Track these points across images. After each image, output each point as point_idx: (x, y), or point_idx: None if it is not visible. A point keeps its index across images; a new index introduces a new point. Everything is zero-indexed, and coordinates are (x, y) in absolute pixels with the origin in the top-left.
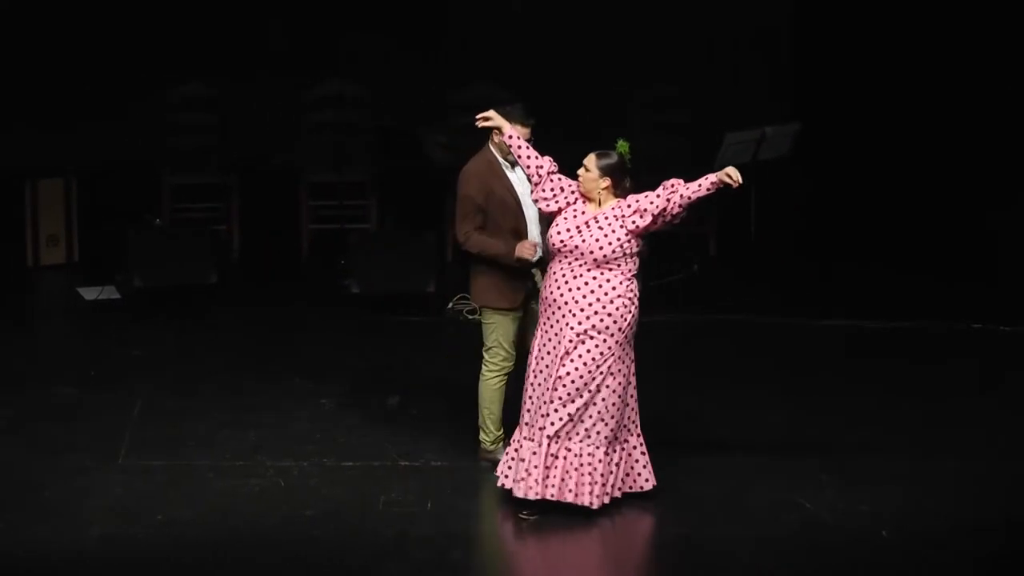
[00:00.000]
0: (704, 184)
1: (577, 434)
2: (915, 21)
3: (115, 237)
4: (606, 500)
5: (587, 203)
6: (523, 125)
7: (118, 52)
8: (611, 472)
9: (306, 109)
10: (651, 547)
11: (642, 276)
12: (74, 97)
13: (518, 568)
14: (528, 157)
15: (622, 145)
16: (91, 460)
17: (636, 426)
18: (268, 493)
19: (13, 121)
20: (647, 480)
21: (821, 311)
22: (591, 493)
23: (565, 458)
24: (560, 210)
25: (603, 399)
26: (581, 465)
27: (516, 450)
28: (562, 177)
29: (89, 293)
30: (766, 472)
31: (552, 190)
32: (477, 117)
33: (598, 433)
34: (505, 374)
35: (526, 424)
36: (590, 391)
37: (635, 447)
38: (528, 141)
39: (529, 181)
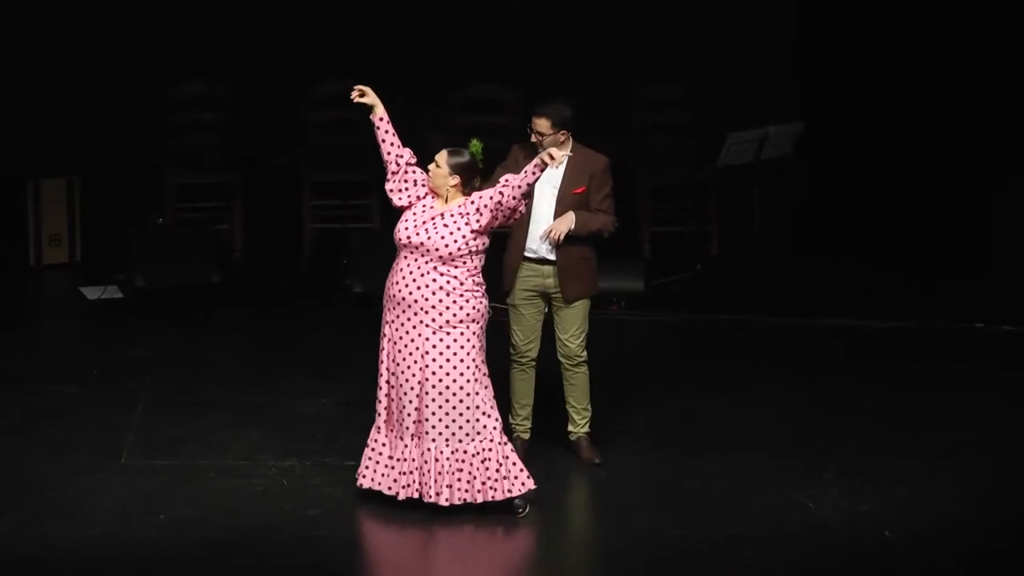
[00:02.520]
0: (529, 170)
1: (440, 433)
2: (919, 19)
3: (117, 237)
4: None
5: (435, 199)
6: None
7: (120, 50)
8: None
9: (309, 108)
10: (653, 547)
11: (647, 276)
12: (76, 96)
13: (526, 563)
14: (390, 144)
15: (475, 145)
16: (93, 460)
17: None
18: (271, 493)
19: (15, 120)
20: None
21: (823, 310)
22: (466, 490)
23: (448, 459)
24: (410, 204)
25: (473, 392)
26: (435, 462)
27: (390, 455)
28: (417, 170)
29: (92, 293)
30: (768, 472)
31: (406, 183)
32: (354, 90)
33: (460, 429)
34: (517, 363)
35: (388, 423)
36: (459, 388)
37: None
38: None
39: (385, 168)
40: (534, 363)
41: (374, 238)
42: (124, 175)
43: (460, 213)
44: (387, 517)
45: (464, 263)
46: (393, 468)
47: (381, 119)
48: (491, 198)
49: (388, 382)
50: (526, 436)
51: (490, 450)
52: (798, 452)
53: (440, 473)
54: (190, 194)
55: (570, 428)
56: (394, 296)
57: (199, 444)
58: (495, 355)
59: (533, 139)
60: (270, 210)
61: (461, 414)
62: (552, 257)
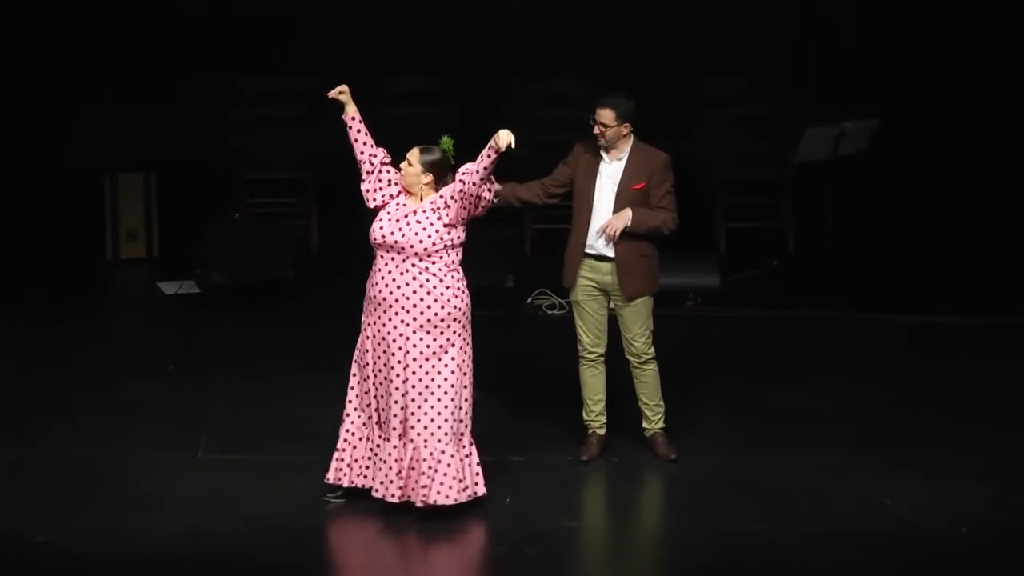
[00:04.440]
0: (484, 154)
1: (419, 434)
2: (996, 13)
3: (194, 232)
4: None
5: (408, 197)
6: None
7: (198, 46)
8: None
9: (386, 103)
10: (728, 543)
11: (722, 272)
12: (154, 91)
13: (590, 566)
14: (364, 144)
15: (446, 142)
16: (170, 454)
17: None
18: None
19: (93, 116)
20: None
21: (900, 306)
22: (454, 489)
23: (426, 460)
24: (384, 204)
25: (455, 392)
26: (420, 462)
27: (374, 453)
28: (391, 169)
29: (168, 287)
30: (845, 468)
31: (380, 182)
32: (333, 92)
33: (440, 428)
34: (585, 359)
35: (374, 423)
36: (438, 387)
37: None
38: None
39: (359, 168)
40: (603, 358)
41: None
42: (201, 170)
43: (431, 209)
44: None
45: (441, 258)
46: (380, 469)
47: (353, 118)
48: (455, 189)
49: (375, 384)
50: (601, 432)
51: (468, 454)
52: (875, 449)
53: (422, 473)
54: (266, 189)
55: (644, 425)
56: (374, 297)
57: (276, 439)
58: (566, 352)
59: (596, 131)
60: (346, 205)
61: (439, 413)
62: (610, 253)
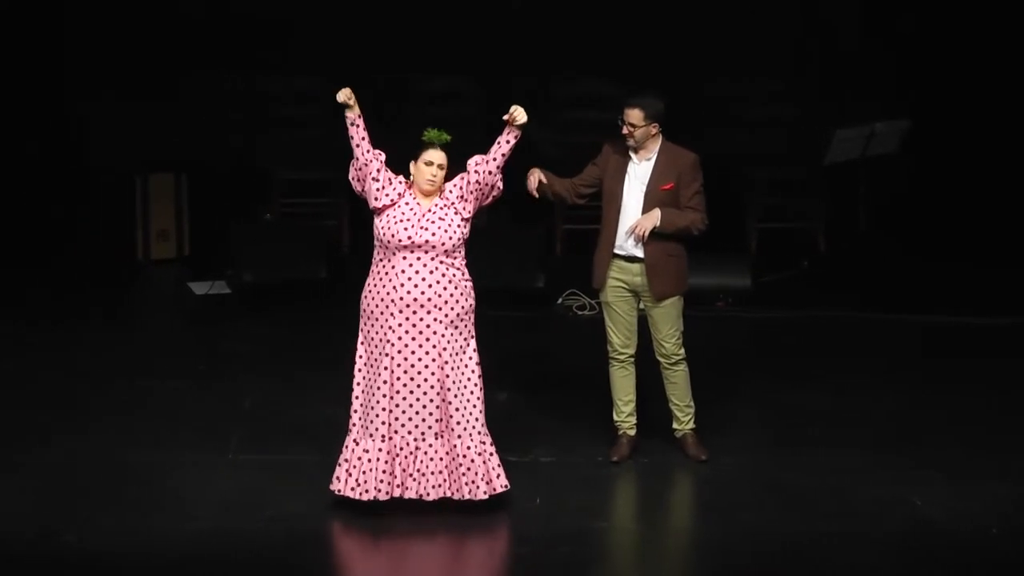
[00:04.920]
0: (503, 139)
1: (465, 429)
2: None
3: (225, 232)
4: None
5: (418, 196)
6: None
7: (229, 47)
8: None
9: (418, 103)
10: (758, 544)
11: (754, 273)
12: (184, 91)
13: (620, 567)
14: (366, 150)
15: (431, 133)
16: (200, 454)
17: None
18: None
19: (125, 116)
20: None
21: (929, 307)
22: (492, 483)
23: (464, 455)
24: (392, 203)
25: (481, 383)
26: (464, 457)
27: (416, 459)
28: (388, 171)
29: (199, 288)
30: (875, 469)
31: (389, 182)
32: (341, 96)
33: (482, 417)
34: (615, 360)
35: (384, 433)
36: (468, 380)
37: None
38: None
39: (362, 168)
40: (632, 359)
41: (481, 234)
42: (232, 170)
43: (444, 206)
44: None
45: (460, 254)
46: (409, 474)
47: (359, 117)
48: (469, 183)
49: (392, 393)
50: (632, 432)
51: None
52: (905, 449)
53: (468, 469)
54: (297, 190)
55: (675, 425)
56: (401, 299)
57: (305, 439)
58: (596, 353)
59: (624, 131)
60: None
61: (475, 406)
62: (639, 254)
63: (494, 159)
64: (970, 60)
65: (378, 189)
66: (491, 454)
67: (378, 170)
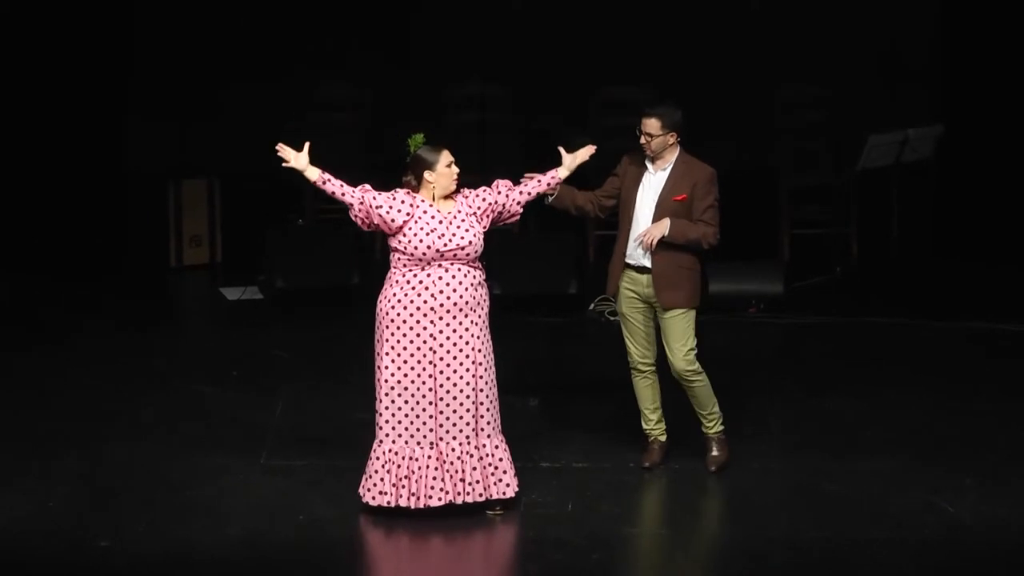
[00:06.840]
0: (545, 179)
1: (493, 429)
2: None
3: (257, 238)
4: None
5: (432, 203)
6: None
7: (261, 52)
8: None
9: (450, 110)
10: (790, 549)
11: (786, 279)
12: (218, 97)
13: (656, 572)
14: (351, 192)
15: (417, 139)
16: (232, 460)
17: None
18: None
19: (158, 122)
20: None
21: (963, 313)
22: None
23: (492, 454)
24: (409, 216)
25: (495, 387)
26: (492, 457)
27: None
28: (381, 191)
29: (232, 293)
30: (907, 475)
31: (387, 204)
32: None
33: (499, 417)
34: (636, 371)
35: (432, 440)
36: (492, 378)
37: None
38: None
39: (365, 205)
40: (654, 368)
41: (513, 240)
42: (265, 176)
43: (467, 213)
44: (525, 518)
45: (480, 258)
46: (440, 479)
47: (322, 171)
48: (490, 203)
49: (436, 400)
50: (662, 438)
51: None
52: (937, 456)
53: (496, 468)
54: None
55: (702, 429)
56: (441, 306)
57: (338, 445)
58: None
59: (642, 140)
60: None
61: (495, 406)
62: (648, 264)
63: (527, 193)
64: (1004, 63)
65: (388, 211)
66: (507, 452)
67: (375, 198)
